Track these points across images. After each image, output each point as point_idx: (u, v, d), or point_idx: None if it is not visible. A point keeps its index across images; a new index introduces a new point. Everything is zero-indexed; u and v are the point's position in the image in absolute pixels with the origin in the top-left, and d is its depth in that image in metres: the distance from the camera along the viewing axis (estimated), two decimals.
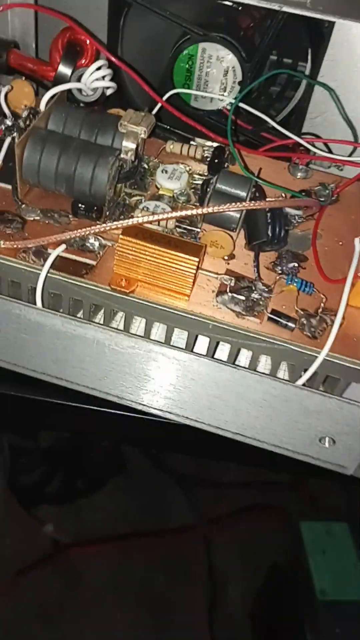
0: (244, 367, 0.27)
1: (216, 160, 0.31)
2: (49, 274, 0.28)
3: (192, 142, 0.34)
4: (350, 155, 0.36)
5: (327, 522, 0.89)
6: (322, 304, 0.28)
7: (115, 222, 0.27)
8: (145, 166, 0.33)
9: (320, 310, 0.28)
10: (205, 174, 0.33)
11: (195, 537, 0.92)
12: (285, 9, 0.30)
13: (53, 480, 0.91)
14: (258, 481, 0.97)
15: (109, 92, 0.33)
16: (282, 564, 0.86)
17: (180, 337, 0.30)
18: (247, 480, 0.99)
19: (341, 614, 0.77)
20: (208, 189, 0.30)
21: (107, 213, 0.30)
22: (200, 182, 0.33)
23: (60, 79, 0.33)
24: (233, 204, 0.27)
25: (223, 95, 0.37)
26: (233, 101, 0.35)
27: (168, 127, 0.35)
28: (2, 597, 0.77)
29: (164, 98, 0.34)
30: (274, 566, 0.87)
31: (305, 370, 0.27)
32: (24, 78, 0.35)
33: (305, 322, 0.28)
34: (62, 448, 0.93)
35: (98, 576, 0.87)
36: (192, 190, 0.33)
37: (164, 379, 0.28)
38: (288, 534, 0.84)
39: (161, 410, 0.29)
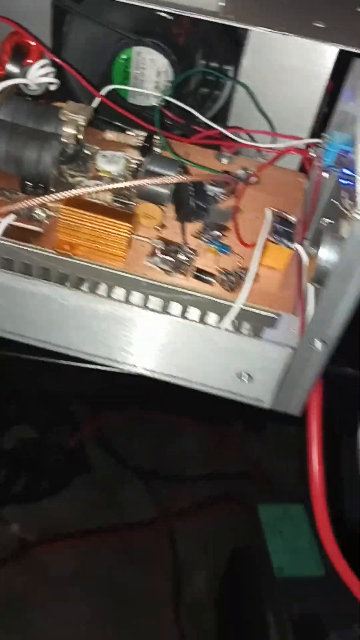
0: (173, 314, 0.31)
1: (146, 144, 0.36)
2: (0, 241, 0.32)
3: (128, 132, 0.39)
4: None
5: (283, 504, 0.94)
6: (239, 263, 0.33)
7: (58, 194, 0.32)
8: (87, 152, 0.38)
9: (237, 268, 0.33)
10: (140, 159, 0.38)
11: (158, 530, 0.96)
12: (198, 16, 0.35)
13: (16, 479, 0.93)
14: (216, 472, 1.02)
15: (52, 87, 0.38)
16: (243, 548, 0.90)
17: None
18: (206, 472, 1.03)
19: (298, 589, 0.82)
20: (140, 169, 0.35)
21: (53, 190, 0.34)
22: (135, 166, 0.37)
23: (8, 77, 0.37)
24: (160, 176, 0.32)
25: (156, 93, 0.42)
26: (164, 96, 0.40)
27: (107, 120, 0.40)
28: None
29: (103, 93, 0.39)
30: (235, 550, 0.92)
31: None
32: None
33: (224, 278, 0.32)
34: (24, 446, 0.96)
35: (63, 570, 0.90)
36: (129, 172, 0.37)
37: (104, 329, 0.32)
38: (247, 518, 0.89)
39: (103, 358, 0.33)
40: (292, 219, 0.34)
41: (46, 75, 0.37)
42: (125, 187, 0.35)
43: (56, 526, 0.89)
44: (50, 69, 0.37)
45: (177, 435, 1.02)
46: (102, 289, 0.34)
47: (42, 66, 0.36)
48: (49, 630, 0.79)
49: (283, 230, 0.34)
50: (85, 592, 0.84)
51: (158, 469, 0.99)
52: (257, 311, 0.32)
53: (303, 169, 0.43)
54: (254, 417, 1.07)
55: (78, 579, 0.85)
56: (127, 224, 0.32)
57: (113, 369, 0.34)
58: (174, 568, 0.87)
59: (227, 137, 0.41)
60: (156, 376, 0.33)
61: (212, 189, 0.36)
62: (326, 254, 0.28)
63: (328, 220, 0.30)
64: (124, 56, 0.41)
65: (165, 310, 0.33)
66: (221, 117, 0.44)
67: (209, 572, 0.88)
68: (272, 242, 0.33)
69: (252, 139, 0.43)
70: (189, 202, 0.34)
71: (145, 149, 0.36)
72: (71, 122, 0.34)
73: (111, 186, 0.32)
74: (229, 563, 0.87)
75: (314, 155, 0.37)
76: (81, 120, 0.34)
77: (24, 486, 0.92)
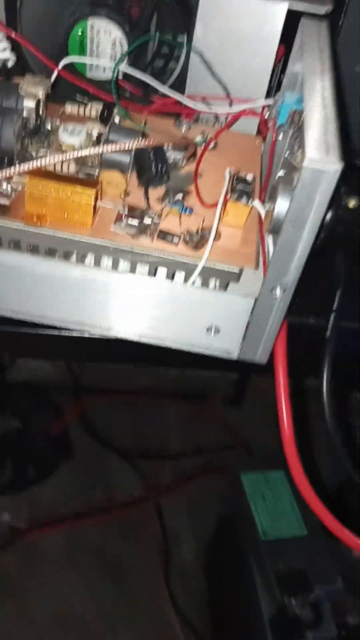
0: (140, 274, 0.33)
1: (104, 113, 0.37)
2: None
3: (88, 105, 0.40)
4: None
5: (265, 472, 0.97)
6: (201, 223, 0.35)
7: (22, 165, 0.33)
8: (49, 127, 0.39)
9: (200, 228, 0.34)
10: (101, 131, 0.39)
11: (145, 506, 0.98)
12: None
13: (2, 470, 0.95)
14: (198, 445, 1.05)
15: (9, 63, 0.38)
16: (229, 516, 0.93)
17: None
18: (188, 446, 1.06)
19: (283, 549, 0.85)
20: (102, 140, 0.36)
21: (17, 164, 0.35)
22: (97, 137, 0.38)
23: None
24: (119, 143, 0.33)
25: (112, 64, 0.43)
26: (121, 69, 0.41)
27: (66, 95, 0.41)
28: None
29: (60, 66, 0.40)
30: (222, 519, 0.94)
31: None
32: None
33: (188, 238, 0.34)
34: (8, 436, 0.97)
35: (56, 553, 0.92)
36: (92, 144, 0.38)
37: (76, 295, 0.34)
38: (231, 488, 0.91)
39: (77, 324, 0.35)
40: (249, 177, 0.36)
41: (3, 50, 0.37)
42: (88, 157, 0.36)
43: (46, 511, 0.91)
44: (6, 44, 0.38)
45: (157, 412, 1.04)
46: (72, 256, 0.35)
47: None
48: (48, 609, 0.82)
49: (241, 189, 0.35)
50: (80, 570, 0.86)
51: (141, 447, 1.01)
52: (221, 267, 0.33)
53: (260, 133, 0.45)
54: (231, 389, 1.10)
55: (72, 559, 0.87)
56: (91, 190, 0.33)
57: (90, 336, 0.35)
58: (163, 540, 0.90)
59: (184, 105, 0.42)
60: (129, 337, 0.35)
61: (172, 155, 0.38)
62: (281, 204, 0.30)
63: (281, 174, 0.32)
64: (79, 29, 0.41)
65: (133, 272, 0.34)
66: (178, 86, 0.45)
67: (196, 540, 0.91)
68: (232, 201, 0.35)
69: (210, 106, 0.44)
70: (150, 168, 0.35)
71: (104, 119, 0.37)
72: (30, 95, 0.35)
73: (73, 155, 0.33)
74: (215, 530, 0.90)
75: (268, 116, 0.39)
76: (40, 93, 0.35)
77: (11, 475, 0.93)
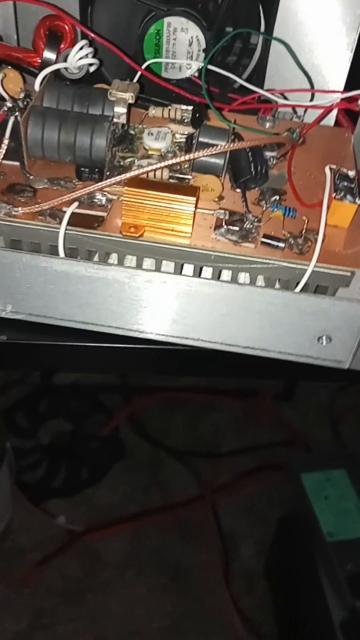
0: (246, 284, 0.31)
1: (197, 115, 0.35)
2: (66, 231, 0.32)
3: (171, 106, 0.38)
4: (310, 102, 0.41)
5: (326, 471, 0.94)
6: (305, 225, 0.33)
7: (118, 177, 0.31)
8: (132, 132, 0.37)
9: (304, 230, 0.33)
10: (186, 132, 0.37)
11: (202, 506, 0.97)
12: None
13: (57, 473, 0.94)
14: (252, 444, 1.03)
15: (92, 68, 0.37)
16: (289, 516, 0.91)
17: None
18: (242, 445, 1.04)
19: (350, 551, 0.83)
20: (193, 142, 0.34)
21: (108, 173, 0.34)
22: (182, 139, 0.37)
23: (46, 64, 0.36)
24: (217, 146, 0.32)
25: (190, 62, 0.41)
26: (201, 65, 0.39)
27: (147, 97, 0.39)
28: (25, 586, 0.81)
29: (143, 66, 0.38)
30: (282, 519, 0.92)
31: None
32: (9, 67, 0.38)
33: (292, 242, 0.32)
34: (61, 439, 0.96)
35: (115, 555, 0.91)
36: (177, 147, 0.37)
37: (178, 307, 0.32)
38: (291, 488, 0.89)
39: (179, 337, 0.33)
40: (351, 174, 0.34)
41: (86, 56, 0.36)
42: (180, 162, 0.34)
43: (101, 513, 0.90)
44: (89, 49, 0.36)
45: (207, 411, 1.03)
46: (171, 267, 0.33)
47: (81, 47, 0.36)
48: (110, 612, 0.81)
49: (344, 186, 0.33)
50: (140, 572, 0.86)
51: (193, 446, 1.00)
52: (332, 271, 0.32)
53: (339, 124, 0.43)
54: (282, 385, 1.08)
55: (131, 561, 0.87)
56: (192, 198, 0.31)
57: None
58: (222, 541, 0.89)
59: (265, 100, 0.40)
60: (235, 350, 0.33)
61: (265, 154, 0.36)
62: None
63: None
64: (155, 29, 0.40)
65: (235, 281, 0.33)
66: (255, 82, 0.43)
67: (255, 541, 0.89)
68: (336, 199, 0.33)
69: (287, 99, 0.42)
70: (249, 169, 0.33)
71: (196, 120, 0.35)
72: (121, 101, 0.33)
73: (171, 162, 0.32)
74: (275, 531, 0.88)
75: None
76: (130, 97, 0.33)
77: (65, 478, 0.93)
